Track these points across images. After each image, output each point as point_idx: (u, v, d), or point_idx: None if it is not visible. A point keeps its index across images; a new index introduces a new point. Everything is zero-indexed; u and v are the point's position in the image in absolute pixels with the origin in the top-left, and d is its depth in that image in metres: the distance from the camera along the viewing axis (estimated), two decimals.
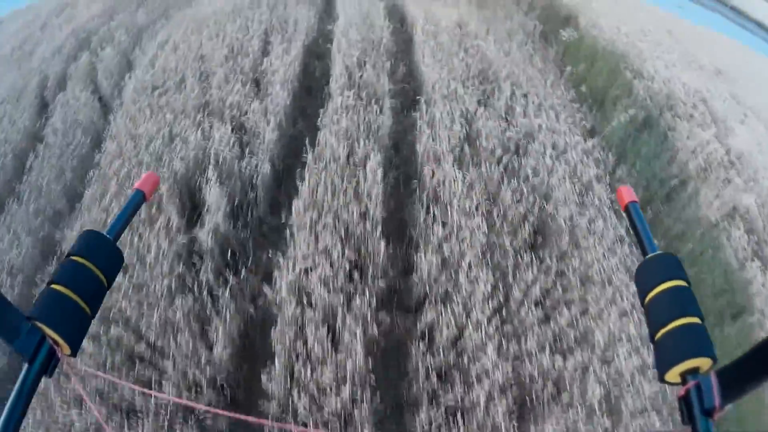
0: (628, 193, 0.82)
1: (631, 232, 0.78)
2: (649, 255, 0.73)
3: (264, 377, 1.97)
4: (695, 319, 0.62)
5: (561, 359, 2.07)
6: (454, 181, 2.73)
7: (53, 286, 0.63)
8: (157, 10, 5.16)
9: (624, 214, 0.82)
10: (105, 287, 0.68)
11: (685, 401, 0.58)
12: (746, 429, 2.21)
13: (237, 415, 0.76)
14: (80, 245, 0.68)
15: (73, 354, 0.61)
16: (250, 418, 0.76)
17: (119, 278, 2.08)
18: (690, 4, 9.45)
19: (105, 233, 0.71)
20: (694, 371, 0.59)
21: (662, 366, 0.61)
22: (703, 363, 0.59)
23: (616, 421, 1.92)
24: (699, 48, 5.82)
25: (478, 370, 1.99)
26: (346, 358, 1.96)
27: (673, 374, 0.60)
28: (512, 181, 2.82)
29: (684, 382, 0.59)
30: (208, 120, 3.16)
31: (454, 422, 1.90)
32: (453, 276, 2.32)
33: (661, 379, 0.62)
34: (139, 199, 0.78)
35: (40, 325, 0.59)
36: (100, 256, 0.68)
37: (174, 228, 2.43)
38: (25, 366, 0.58)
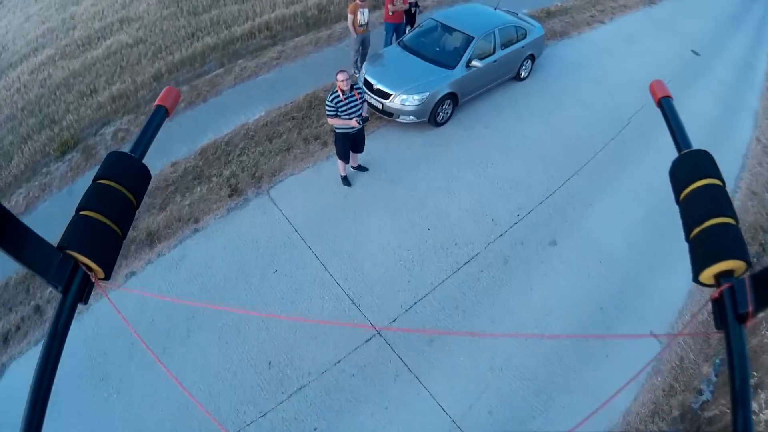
0: (661, 88, 0.75)
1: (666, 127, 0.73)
2: (684, 151, 0.68)
3: None
4: (730, 220, 0.59)
5: None
6: None
7: (81, 212, 0.61)
8: None
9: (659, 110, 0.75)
10: (134, 206, 0.66)
11: (718, 304, 0.56)
12: None
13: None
14: (105, 168, 0.65)
15: (107, 277, 0.61)
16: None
17: None
18: None
19: (129, 152, 0.68)
20: (729, 274, 0.57)
21: (697, 266, 0.59)
22: (737, 266, 0.56)
23: None
24: None
25: None
26: None
27: (707, 275, 0.58)
28: None
29: (718, 284, 0.57)
30: None
31: None
32: None
33: (696, 279, 0.60)
34: (161, 115, 0.74)
35: (71, 252, 0.58)
36: (127, 176, 0.66)
37: None
38: (61, 297, 0.57)
